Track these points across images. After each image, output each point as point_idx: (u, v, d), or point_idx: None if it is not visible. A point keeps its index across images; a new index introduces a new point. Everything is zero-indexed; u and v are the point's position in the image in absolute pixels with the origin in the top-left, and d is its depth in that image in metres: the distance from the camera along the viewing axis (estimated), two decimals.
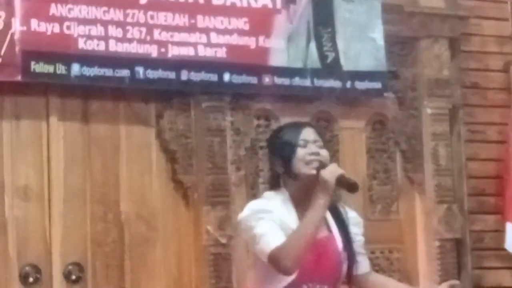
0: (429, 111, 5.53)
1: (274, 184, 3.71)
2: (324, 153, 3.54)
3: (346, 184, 3.49)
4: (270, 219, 3.51)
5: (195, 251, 4.88)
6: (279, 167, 3.63)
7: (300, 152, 3.51)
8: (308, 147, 3.53)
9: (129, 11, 4.80)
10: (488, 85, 5.83)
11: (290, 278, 3.38)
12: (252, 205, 3.64)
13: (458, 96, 5.67)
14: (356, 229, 3.68)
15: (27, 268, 4.57)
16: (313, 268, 3.47)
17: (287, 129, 3.76)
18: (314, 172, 3.48)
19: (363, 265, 3.64)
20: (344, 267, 3.50)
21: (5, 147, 4.75)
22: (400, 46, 5.54)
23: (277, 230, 3.46)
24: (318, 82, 5.21)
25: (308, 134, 3.60)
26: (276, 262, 3.37)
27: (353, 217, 3.70)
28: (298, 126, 3.72)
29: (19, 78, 4.48)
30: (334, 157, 5.18)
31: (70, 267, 4.67)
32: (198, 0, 4.98)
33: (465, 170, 5.67)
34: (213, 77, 4.92)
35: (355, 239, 3.64)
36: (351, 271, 3.54)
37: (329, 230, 3.52)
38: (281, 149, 3.65)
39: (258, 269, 3.58)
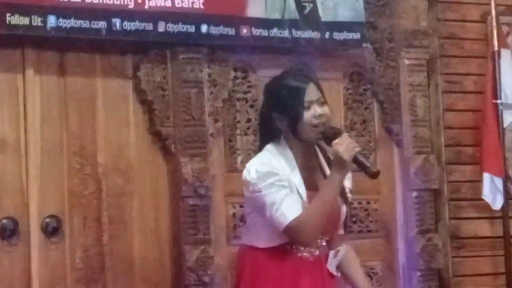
0: (406, 61, 5.58)
1: (273, 136, 3.76)
2: (327, 110, 3.63)
3: (365, 169, 3.57)
4: (280, 185, 3.59)
5: (173, 203, 4.93)
6: (281, 124, 3.68)
7: (306, 116, 3.57)
8: (312, 108, 3.58)
9: None
10: (465, 36, 5.88)
11: None
12: (259, 166, 3.67)
13: (435, 47, 5.73)
14: (348, 183, 3.75)
15: (4, 221, 4.61)
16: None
17: (291, 85, 3.74)
18: (320, 136, 3.61)
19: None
20: (343, 217, 3.67)
21: None
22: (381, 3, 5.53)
23: (289, 199, 3.57)
24: (296, 33, 5.24)
25: (311, 93, 3.62)
26: (294, 235, 3.53)
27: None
28: (302, 84, 3.71)
29: None
30: None
31: (47, 219, 4.72)
32: None
33: (443, 121, 5.74)
34: (190, 29, 4.94)
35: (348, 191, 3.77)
36: (347, 220, 3.75)
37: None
38: (285, 109, 3.69)
39: (258, 226, 3.69)
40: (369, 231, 5.55)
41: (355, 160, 3.51)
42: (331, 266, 3.69)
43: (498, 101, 5.64)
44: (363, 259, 5.00)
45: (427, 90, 5.66)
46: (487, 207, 5.67)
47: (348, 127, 5.51)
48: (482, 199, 5.64)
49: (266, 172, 3.62)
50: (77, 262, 4.83)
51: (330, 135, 3.55)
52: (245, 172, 3.68)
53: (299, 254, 3.61)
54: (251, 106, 5.27)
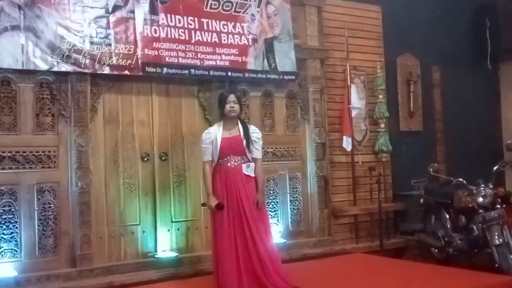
0: (311, 89, 5.59)
1: (220, 117, 4.00)
2: (237, 107, 3.88)
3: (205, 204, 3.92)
4: (207, 142, 3.88)
5: None
6: (219, 110, 3.98)
7: (226, 106, 3.88)
8: (229, 104, 3.87)
9: (187, 45, 4.80)
10: (336, 78, 5.89)
11: (219, 154, 3.80)
12: (206, 130, 4.02)
13: (323, 83, 5.71)
14: (255, 135, 3.90)
15: (143, 154, 4.74)
16: (229, 148, 3.81)
17: (224, 95, 3.99)
18: (232, 114, 3.84)
19: (255, 153, 3.88)
20: (244, 146, 3.81)
21: None
22: (300, 62, 5.48)
23: (206, 151, 3.87)
24: (268, 76, 5.26)
25: (230, 98, 3.89)
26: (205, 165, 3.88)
27: (253, 129, 3.96)
28: (227, 93, 3.97)
29: (140, 73, 4.59)
30: (271, 109, 5.42)
31: (161, 153, 4.83)
32: (216, 41, 4.95)
33: (326, 114, 5.71)
34: (223, 74, 4.98)
35: (253, 137, 3.87)
36: (249, 147, 3.81)
37: (239, 133, 3.84)
38: (220, 103, 3.97)
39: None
40: (295, 160, 5.54)
41: (203, 204, 3.98)
42: (245, 171, 3.79)
43: (350, 106, 5.72)
44: (293, 171, 5.57)
45: (320, 101, 5.62)
46: (344, 150, 5.75)
47: (287, 117, 5.52)
48: (342, 146, 5.73)
49: (205, 133, 3.96)
50: (173, 172, 4.88)
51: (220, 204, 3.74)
52: None
53: (228, 164, 3.79)
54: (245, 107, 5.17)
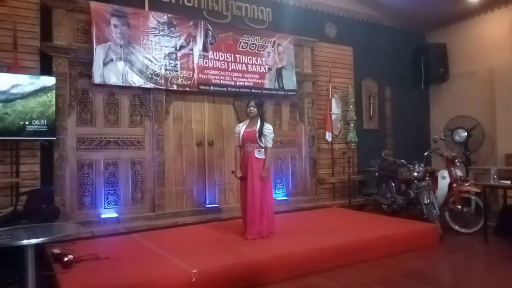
0: (306, 101, 5.57)
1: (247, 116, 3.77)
2: (253, 109, 3.59)
3: (234, 173, 3.61)
4: (236, 133, 3.70)
5: None
6: (246, 112, 3.75)
7: (247, 109, 3.68)
8: (249, 107, 3.65)
9: (226, 72, 4.81)
10: (322, 94, 5.69)
11: (241, 141, 3.60)
12: (237, 125, 3.81)
13: (314, 96, 5.62)
14: (266, 131, 3.60)
15: (198, 141, 4.77)
16: (247, 138, 3.61)
17: (247, 100, 3.82)
18: (250, 115, 3.60)
19: (265, 143, 3.58)
20: (257, 137, 3.57)
21: None
22: (299, 83, 5.40)
23: (236, 138, 3.66)
24: (277, 92, 5.25)
25: (250, 103, 3.67)
26: (236, 148, 3.74)
27: (267, 126, 3.64)
28: (249, 99, 3.80)
29: (196, 90, 4.62)
30: (279, 114, 5.37)
31: (209, 140, 4.85)
32: (245, 69, 4.95)
33: (315, 117, 5.65)
34: (248, 90, 4.97)
35: (265, 132, 3.58)
36: (260, 138, 3.54)
37: (256, 127, 3.60)
38: (246, 107, 3.78)
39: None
40: (295, 146, 5.49)
41: (232, 172, 3.64)
42: (257, 155, 3.53)
43: (331, 112, 5.66)
44: (293, 154, 5.51)
45: (311, 108, 5.56)
46: (327, 140, 5.70)
47: (290, 119, 5.47)
48: (325, 138, 5.69)
49: (236, 128, 3.77)
50: (216, 153, 4.83)
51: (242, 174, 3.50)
52: None
53: (246, 149, 3.59)
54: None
